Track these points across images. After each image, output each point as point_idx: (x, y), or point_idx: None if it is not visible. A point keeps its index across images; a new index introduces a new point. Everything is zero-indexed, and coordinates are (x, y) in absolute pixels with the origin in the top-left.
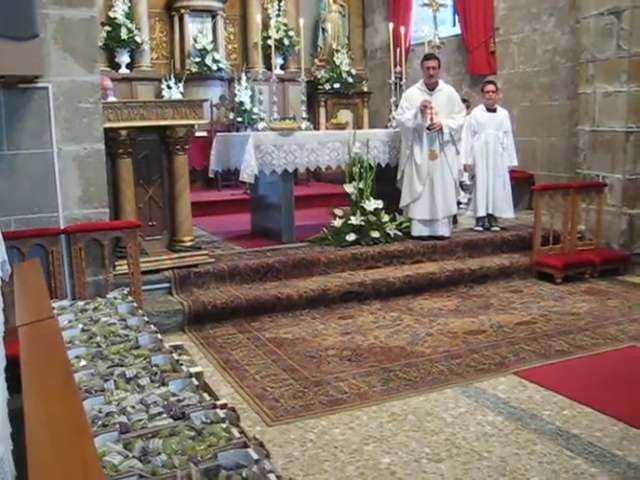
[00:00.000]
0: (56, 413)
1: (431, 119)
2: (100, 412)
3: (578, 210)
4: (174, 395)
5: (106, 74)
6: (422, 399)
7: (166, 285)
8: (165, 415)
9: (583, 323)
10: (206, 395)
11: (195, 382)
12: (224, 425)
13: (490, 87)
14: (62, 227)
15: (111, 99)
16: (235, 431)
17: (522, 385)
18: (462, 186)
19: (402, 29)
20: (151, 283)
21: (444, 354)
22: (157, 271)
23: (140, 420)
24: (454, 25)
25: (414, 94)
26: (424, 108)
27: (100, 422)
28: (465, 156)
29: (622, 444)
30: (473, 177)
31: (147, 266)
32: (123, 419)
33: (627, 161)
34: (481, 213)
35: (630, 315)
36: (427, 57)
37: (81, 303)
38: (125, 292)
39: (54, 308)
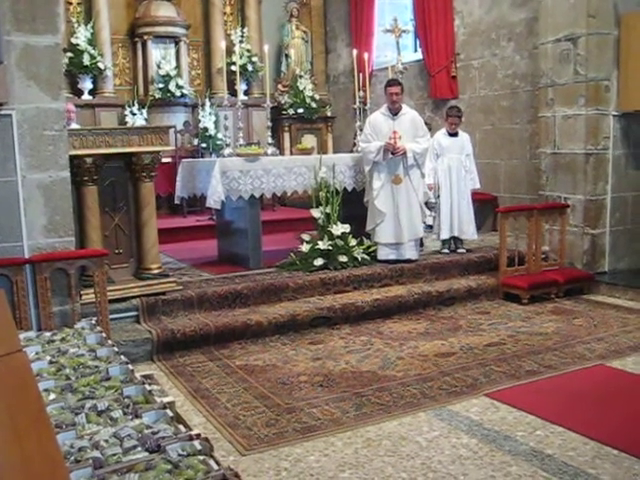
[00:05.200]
0: (30, 451)
1: (393, 147)
2: (72, 447)
3: (542, 231)
4: (148, 427)
5: (69, 100)
6: (396, 423)
7: (134, 314)
8: (140, 448)
9: (551, 343)
10: (181, 426)
11: (170, 413)
12: (201, 457)
13: (455, 120)
14: (27, 256)
15: (74, 125)
16: (212, 463)
17: (494, 406)
18: (428, 205)
19: (365, 55)
20: (118, 312)
21: (416, 377)
22: (124, 299)
23: (114, 454)
24: (415, 50)
25: (377, 119)
26: (388, 147)
27: (72, 458)
28: (428, 176)
29: (595, 462)
30: (439, 196)
31: (114, 294)
32: (97, 454)
33: (588, 182)
34: (445, 236)
35: (596, 333)
36: (390, 83)
37: (48, 334)
38: (93, 322)
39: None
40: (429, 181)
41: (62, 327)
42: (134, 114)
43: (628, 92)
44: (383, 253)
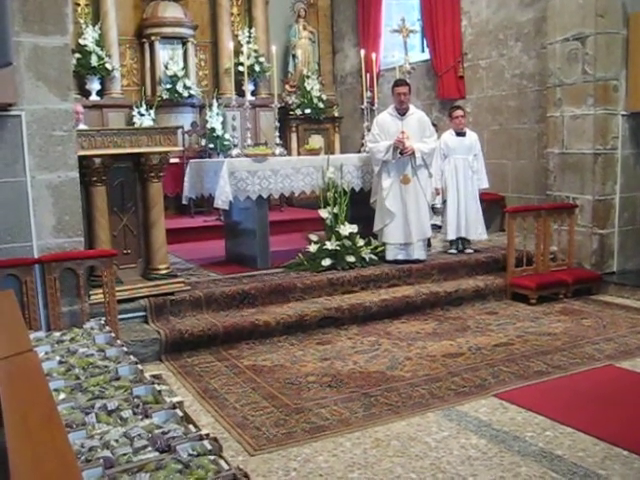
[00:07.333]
0: (41, 449)
1: (403, 144)
2: (83, 447)
3: (550, 231)
4: (158, 427)
5: (77, 101)
6: (405, 424)
7: (142, 314)
8: (150, 448)
9: (560, 343)
10: (191, 426)
11: (180, 413)
12: (211, 457)
13: (458, 112)
14: (36, 257)
15: (82, 126)
16: (223, 463)
17: (503, 407)
18: (434, 209)
19: (373, 55)
20: (126, 312)
21: (424, 378)
22: (132, 300)
23: (125, 454)
24: (423, 51)
25: (385, 120)
26: (398, 144)
27: (83, 457)
28: (435, 180)
29: (605, 463)
30: (445, 201)
31: (122, 295)
32: (107, 453)
33: (596, 182)
34: (451, 236)
35: (605, 334)
36: (397, 83)
37: (57, 334)
38: (102, 322)
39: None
40: (436, 185)
41: (71, 327)
42: (142, 115)
43: (637, 92)
44: (391, 253)
